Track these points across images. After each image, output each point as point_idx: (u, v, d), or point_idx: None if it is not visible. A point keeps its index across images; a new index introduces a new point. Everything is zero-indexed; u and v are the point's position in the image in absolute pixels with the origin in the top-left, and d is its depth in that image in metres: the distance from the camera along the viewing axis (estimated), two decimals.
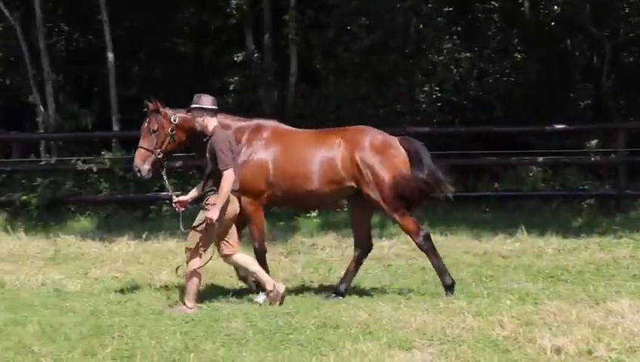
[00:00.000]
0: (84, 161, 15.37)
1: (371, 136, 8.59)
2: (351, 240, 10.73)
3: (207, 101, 8.13)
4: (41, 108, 18.96)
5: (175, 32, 20.92)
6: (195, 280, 7.87)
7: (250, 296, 8.33)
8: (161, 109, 8.50)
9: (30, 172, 16.12)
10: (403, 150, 8.54)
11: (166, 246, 11.89)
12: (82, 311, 7.72)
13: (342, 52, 17.85)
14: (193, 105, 8.14)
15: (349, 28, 17.91)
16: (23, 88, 21.23)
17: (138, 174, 8.54)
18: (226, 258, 8.19)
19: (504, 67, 19.81)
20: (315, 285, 9.14)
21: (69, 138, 18.43)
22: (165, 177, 8.50)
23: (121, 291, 8.78)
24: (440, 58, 19.00)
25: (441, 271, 8.50)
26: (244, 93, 18.92)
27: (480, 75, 19.35)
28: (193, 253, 7.84)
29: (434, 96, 18.73)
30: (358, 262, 8.83)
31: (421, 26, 18.33)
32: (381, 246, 11.58)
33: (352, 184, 8.43)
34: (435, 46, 18.88)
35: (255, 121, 8.81)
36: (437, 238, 11.93)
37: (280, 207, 9.78)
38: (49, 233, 12.97)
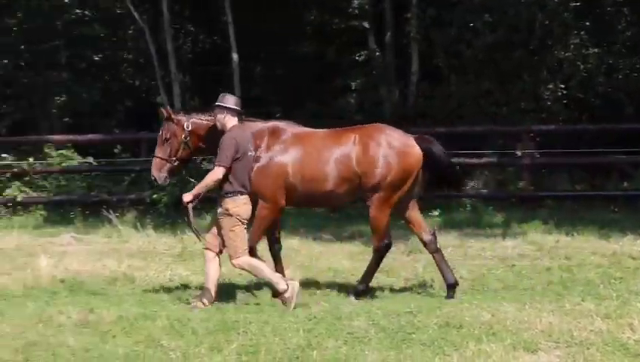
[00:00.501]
0: (210, 160, 15.65)
1: (388, 133, 8.50)
2: (474, 239, 10.59)
3: (230, 101, 8.23)
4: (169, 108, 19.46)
5: (297, 33, 21.13)
6: (262, 270, 8.05)
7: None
8: (173, 117, 8.58)
9: None
10: (419, 148, 8.44)
11: (289, 244, 11.94)
12: (208, 306, 7.86)
13: (464, 49, 17.65)
14: (217, 103, 8.23)
15: (472, 25, 17.69)
16: (152, 89, 21.91)
17: (155, 183, 8.74)
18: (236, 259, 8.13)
19: (635, 63, 19.11)
20: (437, 284, 9.04)
21: None
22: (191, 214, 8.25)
23: (245, 288, 8.92)
24: (566, 54, 18.54)
25: (368, 276, 8.54)
26: (365, 93, 18.99)
27: (609, 70, 18.75)
28: (239, 256, 7.98)
29: (559, 93, 18.27)
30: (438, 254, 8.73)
31: (547, 21, 17.91)
32: (504, 246, 11.40)
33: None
34: (562, 42, 18.40)
35: (271, 123, 8.80)
36: (563, 238, 11.71)
37: (298, 207, 9.55)
38: (176, 230, 13.25)
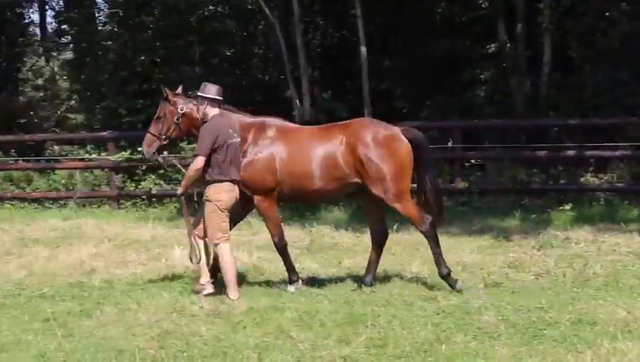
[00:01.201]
0: None
1: (373, 130, 8.54)
2: (607, 234, 10.28)
3: (211, 90, 8.36)
4: (297, 102, 19.67)
5: (426, 26, 20.96)
6: (230, 269, 8.09)
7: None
8: (170, 98, 8.76)
9: None
10: (406, 141, 8.49)
11: (417, 237, 11.85)
12: (336, 299, 7.90)
13: (600, 39, 17.10)
14: (198, 93, 8.39)
15: (607, 14, 17.12)
16: (281, 83, 22.15)
17: (142, 156, 9.15)
18: (215, 246, 8.24)
19: None
20: (569, 280, 8.80)
21: None
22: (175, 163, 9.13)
23: (373, 281, 8.92)
24: None
25: (439, 260, 8.51)
26: (495, 85, 18.64)
27: None
28: (218, 242, 8.10)
29: None
30: (378, 252, 8.86)
31: None
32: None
33: (357, 180, 8.46)
34: None
35: (260, 119, 8.92)
36: None
37: (288, 203, 9.41)
38: (304, 223, 13.38)
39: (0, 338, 6.46)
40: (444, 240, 11.39)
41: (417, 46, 20.70)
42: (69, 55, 33.78)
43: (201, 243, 8.35)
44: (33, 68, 34.86)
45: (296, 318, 7.01)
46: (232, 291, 8.00)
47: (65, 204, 17.27)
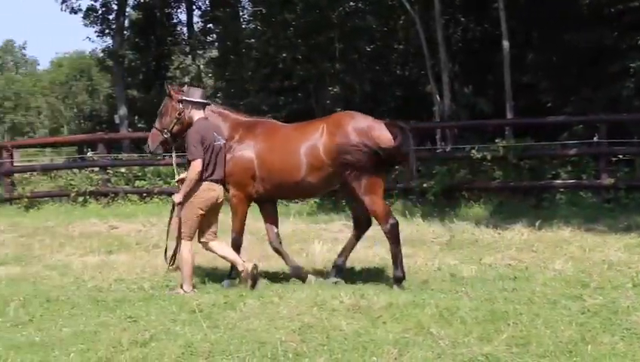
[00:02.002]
0: (478, 149, 15.56)
1: (354, 122, 8.56)
2: None
3: (195, 94, 8.63)
4: (437, 97, 19.53)
5: (572, 17, 20.37)
6: (187, 264, 8.32)
7: None
8: (173, 95, 8.96)
9: (427, 160, 16.69)
10: (388, 133, 8.43)
11: (560, 234, 11.62)
12: (477, 296, 7.79)
13: None
14: (182, 98, 8.68)
15: None
16: (421, 79, 22.06)
17: (147, 150, 9.44)
18: (204, 245, 8.61)
19: None
20: None
21: (465, 126, 18.78)
22: (174, 161, 9.29)
23: (515, 278, 8.76)
24: None
25: (396, 261, 8.50)
26: None
27: None
28: (179, 239, 8.35)
29: None
30: (356, 238, 9.16)
31: None
32: None
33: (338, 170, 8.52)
34: None
35: (252, 119, 9.21)
36: None
37: (273, 199, 9.24)
38: (444, 219, 13.28)
39: (150, 328, 6.69)
40: (588, 238, 11.12)
41: (561, 38, 20.15)
42: (214, 53, 34.73)
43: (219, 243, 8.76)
44: (180, 66, 36.04)
45: (436, 315, 6.95)
46: (187, 285, 8.31)
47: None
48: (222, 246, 8.75)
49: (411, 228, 12.79)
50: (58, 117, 69.61)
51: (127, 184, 18.04)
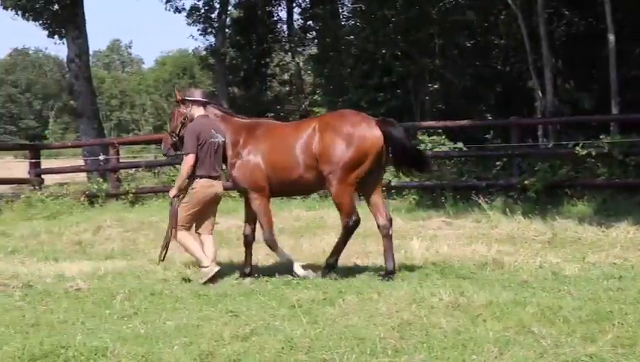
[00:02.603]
0: (582, 146, 15.24)
1: (344, 120, 8.89)
2: None
3: (195, 94, 9.34)
4: (539, 93, 19.18)
5: None
6: (192, 246, 8.92)
7: None
8: (179, 98, 9.52)
9: (529, 156, 16.43)
10: (378, 131, 8.72)
11: None
12: (580, 295, 7.62)
13: None
14: (184, 97, 9.32)
15: None
16: (523, 74, 21.71)
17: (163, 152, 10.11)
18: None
19: None
20: None
21: (568, 122, 18.41)
22: None
23: (620, 278, 8.53)
24: None
25: (336, 251, 9.05)
26: None
27: None
28: (178, 229, 8.88)
29: None
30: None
31: None
32: None
33: None
34: None
35: (251, 120, 9.69)
36: None
37: (274, 196, 9.58)
38: (546, 217, 13.04)
39: (250, 322, 6.78)
40: None
41: None
42: (313, 50, 34.92)
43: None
44: (280, 63, 36.38)
45: (537, 313, 6.84)
46: (204, 260, 8.84)
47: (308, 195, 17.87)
48: (196, 241, 9.12)
49: (512, 225, 12.60)
50: (162, 114, 71.24)
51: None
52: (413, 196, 17.00)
